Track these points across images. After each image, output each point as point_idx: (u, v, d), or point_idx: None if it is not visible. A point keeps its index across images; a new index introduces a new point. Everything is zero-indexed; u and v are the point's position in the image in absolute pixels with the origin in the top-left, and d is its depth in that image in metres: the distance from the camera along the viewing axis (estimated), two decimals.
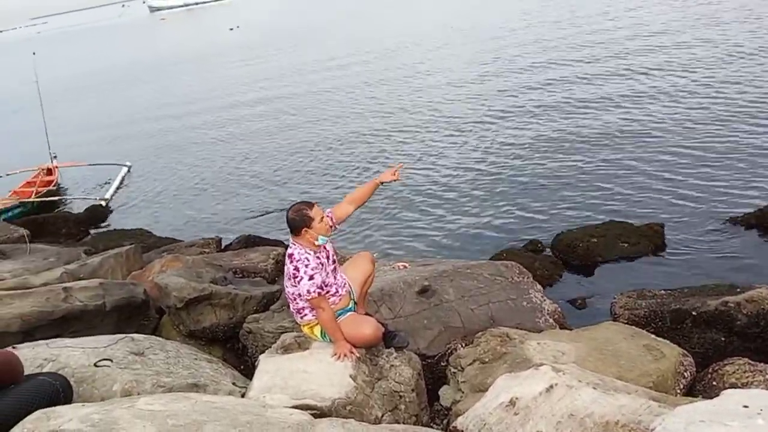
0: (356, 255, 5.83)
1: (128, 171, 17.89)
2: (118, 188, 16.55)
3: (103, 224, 14.17)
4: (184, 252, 9.48)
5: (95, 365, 4.93)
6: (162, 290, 6.97)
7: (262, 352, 5.47)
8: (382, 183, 5.59)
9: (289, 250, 5.11)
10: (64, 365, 4.90)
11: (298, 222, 5.01)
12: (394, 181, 5.63)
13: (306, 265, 4.96)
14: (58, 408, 4.11)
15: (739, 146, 11.30)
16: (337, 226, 5.38)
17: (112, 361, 5.02)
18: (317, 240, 5.04)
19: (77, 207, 15.35)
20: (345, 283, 5.33)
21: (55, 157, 17.29)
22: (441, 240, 10.21)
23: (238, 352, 6.75)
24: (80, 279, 7.63)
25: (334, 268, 5.29)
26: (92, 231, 13.43)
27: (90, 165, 18.16)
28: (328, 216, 5.20)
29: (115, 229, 12.86)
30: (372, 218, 11.47)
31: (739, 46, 18.36)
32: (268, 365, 5.03)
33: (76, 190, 16.94)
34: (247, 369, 6.12)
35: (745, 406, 3.29)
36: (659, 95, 15.29)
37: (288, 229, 5.14)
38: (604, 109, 14.99)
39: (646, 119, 13.70)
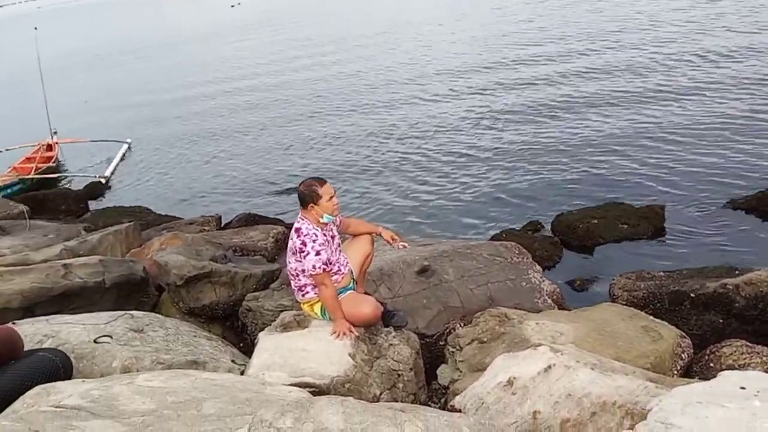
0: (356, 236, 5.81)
1: (128, 148, 17.84)
2: (118, 165, 16.51)
3: (102, 201, 14.16)
4: (183, 230, 9.47)
5: (95, 341, 4.95)
6: (161, 268, 6.98)
7: (262, 330, 5.49)
8: (379, 234, 5.60)
9: (297, 225, 5.11)
10: (64, 341, 4.92)
11: (307, 196, 5.05)
12: (387, 242, 5.57)
13: (314, 240, 4.97)
14: (58, 384, 4.14)
15: (740, 128, 11.26)
16: (338, 226, 5.41)
17: (111, 337, 5.04)
18: (322, 217, 5.06)
19: (77, 183, 15.32)
20: (347, 262, 5.35)
21: (55, 132, 17.24)
22: (441, 220, 10.20)
23: (237, 330, 6.77)
24: (80, 256, 7.63)
25: (338, 248, 5.31)
26: (92, 208, 13.41)
27: (91, 141, 18.10)
28: (338, 217, 5.29)
29: (114, 206, 12.83)
30: (372, 199, 11.47)
31: (738, 28, 18.22)
32: (267, 343, 5.05)
33: (76, 167, 16.89)
34: (246, 347, 6.14)
35: (742, 388, 3.31)
36: (659, 76, 15.20)
37: (297, 204, 5.18)
38: (606, 91, 14.91)
39: (647, 102, 13.63)
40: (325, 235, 5.11)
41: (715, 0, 22.55)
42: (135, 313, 5.81)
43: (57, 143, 17.16)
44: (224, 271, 6.84)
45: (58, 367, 4.43)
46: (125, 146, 17.83)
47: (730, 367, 4.83)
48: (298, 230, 5.07)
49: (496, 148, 12.64)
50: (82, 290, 6.56)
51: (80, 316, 5.60)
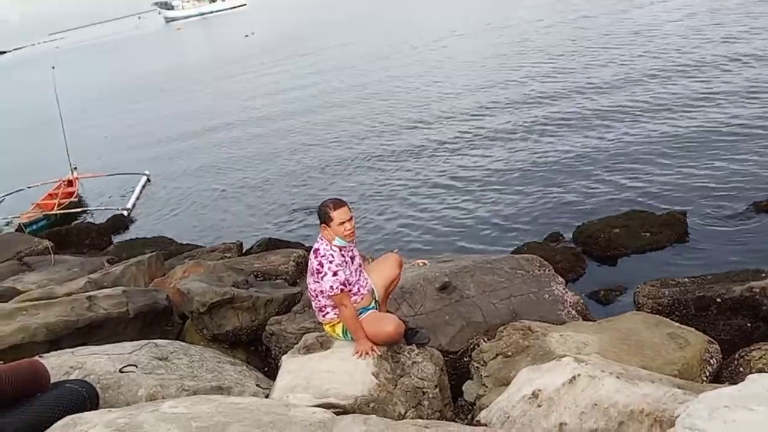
0: (384, 256, 5.73)
1: (147, 180, 18.05)
2: (138, 197, 16.70)
3: (125, 233, 14.31)
4: (205, 257, 9.54)
5: (120, 371, 4.98)
6: (184, 296, 7.03)
7: (285, 353, 5.48)
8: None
9: (315, 245, 5.12)
10: (90, 372, 4.95)
11: (321, 216, 5.09)
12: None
13: (330, 261, 4.97)
14: (85, 414, 4.15)
15: (758, 132, 11.15)
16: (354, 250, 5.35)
17: (137, 366, 5.07)
18: (334, 240, 5.05)
19: (99, 217, 15.52)
20: (367, 283, 5.33)
21: (75, 168, 17.49)
22: (460, 235, 10.18)
23: (261, 355, 6.79)
24: (103, 287, 7.71)
25: (358, 269, 5.29)
26: (115, 240, 13.57)
27: (109, 175, 18.34)
28: (352, 247, 5.25)
29: (137, 238, 12.97)
30: (392, 217, 11.48)
31: (750, 36, 18.09)
32: (291, 365, 5.04)
33: (97, 201, 17.12)
34: (270, 371, 6.14)
35: None
36: (680, 81, 15.13)
37: (317, 228, 5.22)
38: (623, 98, 14.88)
39: (666, 108, 13.57)
40: (343, 255, 5.11)
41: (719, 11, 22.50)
42: (159, 341, 5.85)
43: (77, 178, 17.41)
44: (246, 297, 6.88)
45: (84, 397, 4.45)
46: (144, 178, 18.04)
47: (760, 371, 4.74)
48: (316, 251, 5.08)
49: (514, 163, 12.63)
50: (107, 321, 6.62)
51: (105, 346, 5.63)
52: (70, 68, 64.69)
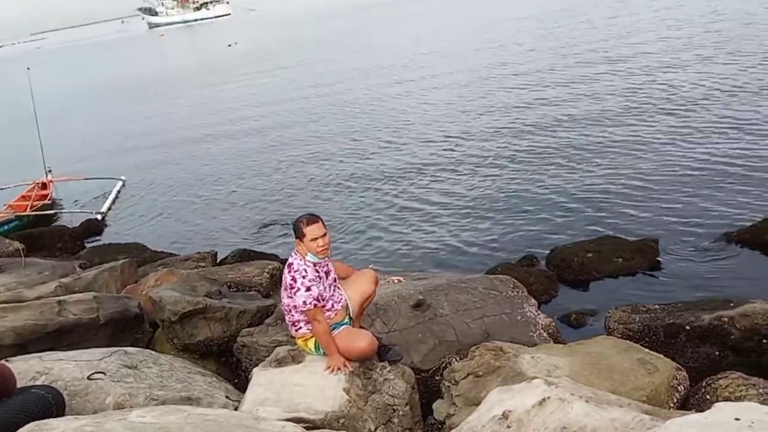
0: (360, 272, 5.70)
1: (123, 185, 17.85)
2: (113, 202, 16.53)
3: (98, 238, 14.15)
4: (179, 266, 9.47)
5: (88, 378, 4.93)
6: (156, 304, 6.96)
7: (256, 365, 5.46)
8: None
9: (290, 260, 5.13)
10: (57, 378, 4.89)
11: (295, 231, 5.10)
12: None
13: (303, 276, 4.97)
14: (51, 420, 4.10)
15: (732, 162, 11.34)
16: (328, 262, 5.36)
17: (105, 374, 5.02)
18: (307, 255, 5.05)
19: (73, 221, 15.31)
20: (342, 299, 5.33)
21: (49, 171, 17.28)
22: (436, 254, 10.22)
23: (232, 366, 6.74)
24: (75, 292, 7.61)
25: (333, 284, 5.29)
26: (87, 245, 13.39)
27: (85, 179, 18.14)
28: (327, 263, 5.26)
29: (110, 243, 12.83)
30: (368, 234, 11.49)
31: (737, 62, 18.48)
32: (262, 378, 5.02)
33: (71, 204, 16.93)
34: (240, 383, 6.10)
35: (737, 419, 3.29)
36: (653, 111, 15.37)
37: (292, 241, 5.22)
38: (598, 125, 15.05)
39: (640, 136, 13.75)
40: (317, 270, 5.11)
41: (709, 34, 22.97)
42: (129, 349, 5.80)
43: (52, 181, 17.19)
44: (219, 307, 6.83)
45: (50, 403, 4.40)
46: (120, 183, 17.83)
47: (726, 400, 4.80)
48: (289, 266, 5.08)
49: (491, 187, 12.69)
50: (76, 327, 6.55)
51: (74, 352, 5.57)
52: (50, 69, 64.23)
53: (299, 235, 5.04)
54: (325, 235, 5.09)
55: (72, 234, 13.62)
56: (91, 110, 35.01)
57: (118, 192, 17.28)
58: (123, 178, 18.21)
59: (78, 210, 16.00)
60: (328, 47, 44.70)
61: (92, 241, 13.84)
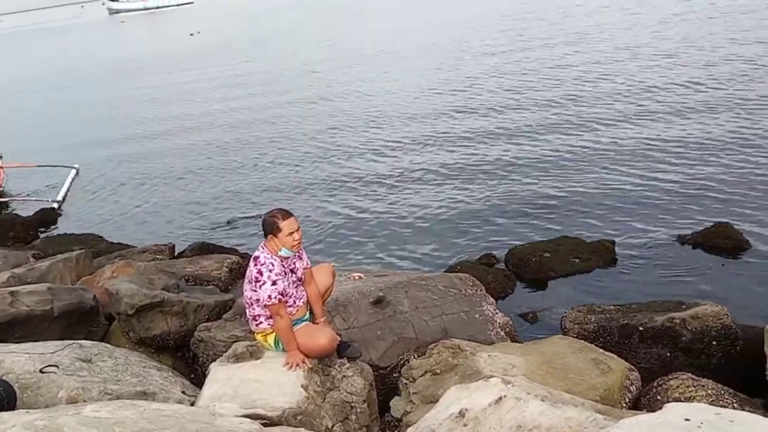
0: (318, 266, 5.81)
1: (77, 173, 17.41)
2: (68, 190, 16.17)
3: (53, 228, 13.85)
4: (136, 258, 9.33)
5: (41, 371, 4.85)
6: (112, 296, 6.86)
7: (214, 361, 5.43)
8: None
9: (256, 253, 5.12)
10: (9, 371, 4.80)
11: (267, 227, 5.08)
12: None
13: (270, 270, 4.97)
14: (1, 414, 4.03)
15: (687, 168, 11.59)
16: (303, 261, 5.40)
17: (58, 367, 4.94)
18: (280, 251, 5.05)
19: (26, 209, 14.95)
20: (303, 296, 5.35)
21: (0, 157, 16.85)
22: (397, 251, 10.24)
23: (188, 361, 6.67)
24: (28, 283, 7.45)
25: (296, 282, 5.30)
26: (42, 235, 13.11)
27: (37, 166, 17.70)
28: (307, 262, 5.36)
29: (65, 234, 12.56)
30: (328, 228, 11.46)
31: (694, 67, 18.88)
32: (219, 374, 4.99)
33: (24, 192, 16.51)
34: (197, 378, 6.05)
35: (687, 419, 3.38)
36: (612, 116, 15.58)
37: (253, 234, 5.20)
38: (557, 131, 15.17)
39: (599, 141, 13.94)
40: (283, 266, 5.11)
41: (662, 32, 23.40)
42: (84, 342, 5.71)
43: (2, 168, 16.73)
44: (176, 301, 6.75)
45: (1, 397, 4.31)
46: (73, 171, 17.32)
47: (677, 400, 4.93)
48: (255, 258, 5.07)
49: (451, 181, 12.78)
50: (29, 318, 6.42)
51: (26, 345, 5.47)
52: (1, 53, 62.59)
53: (273, 230, 5.03)
54: (299, 229, 5.14)
55: (25, 223, 13.28)
56: (45, 96, 34.22)
57: (72, 180, 16.87)
58: (76, 166, 17.71)
59: (34, 198, 15.62)
60: (292, 39, 44.37)
61: (46, 231, 13.54)
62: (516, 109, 17.31)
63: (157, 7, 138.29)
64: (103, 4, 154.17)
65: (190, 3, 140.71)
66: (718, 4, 29.47)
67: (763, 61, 18.28)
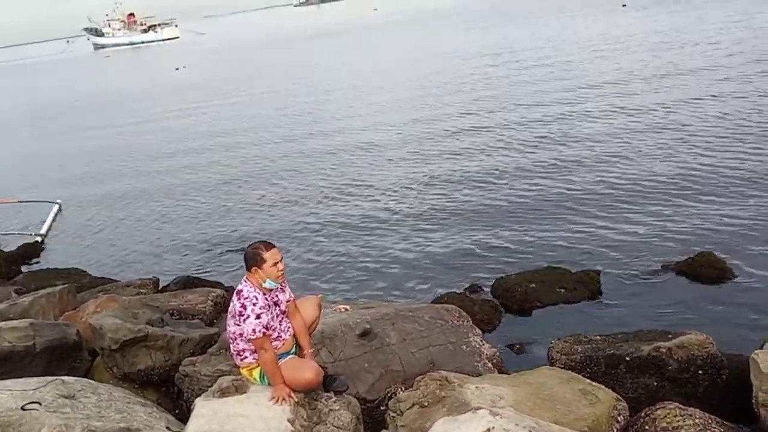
0: (304, 298, 5.79)
1: (59, 209, 17.32)
2: (51, 226, 16.05)
3: (35, 262, 13.74)
4: (120, 292, 9.26)
5: (22, 408, 4.77)
6: (96, 331, 6.79)
7: (199, 395, 5.37)
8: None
9: (239, 287, 5.09)
10: None
11: (251, 259, 5.05)
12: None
13: (254, 304, 4.95)
14: None
15: (670, 199, 11.69)
16: (286, 293, 5.37)
17: (40, 404, 4.86)
18: (265, 282, 5.03)
19: (8, 244, 14.82)
20: (289, 329, 5.32)
21: None
22: (383, 283, 10.22)
23: (173, 396, 6.60)
24: (9, 319, 7.37)
25: (280, 316, 5.26)
26: (24, 269, 13.01)
27: (19, 202, 17.59)
28: (290, 295, 5.34)
29: (48, 269, 12.43)
30: (314, 261, 11.44)
31: (680, 91, 19.17)
32: (204, 409, 4.94)
33: (4, 228, 16.36)
34: (182, 413, 5.98)
35: None
36: (594, 154, 15.60)
37: (237, 267, 5.17)
38: (541, 166, 15.21)
39: (581, 175, 13.98)
40: (267, 299, 5.08)
41: (644, 61, 23.77)
42: (66, 378, 5.63)
43: None
44: (161, 335, 6.69)
45: None
46: (56, 207, 17.22)
47: (664, 430, 4.93)
48: (239, 293, 5.04)
49: (437, 213, 12.82)
50: (11, 355, 6.34)
51: (8, 382, 5.39)
52: None
53: (257, 262, 5.01)
54: (282, 259, 5.12)
55: (7, 258, 13.17)
56: (27, 131, 34.16)
57: (55, 216, 16.76)
58: (59, 201, 17.60)
59: (17, 233, 15.49)
60: (275, 75, 44.65)
61: (29, 266, 13.44)
62: (500, 146, 17.34)
63: (143, 42, 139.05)
64: (88, 39, 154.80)
65: (176, 38, 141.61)
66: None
67: (741, 94, 18.59)
